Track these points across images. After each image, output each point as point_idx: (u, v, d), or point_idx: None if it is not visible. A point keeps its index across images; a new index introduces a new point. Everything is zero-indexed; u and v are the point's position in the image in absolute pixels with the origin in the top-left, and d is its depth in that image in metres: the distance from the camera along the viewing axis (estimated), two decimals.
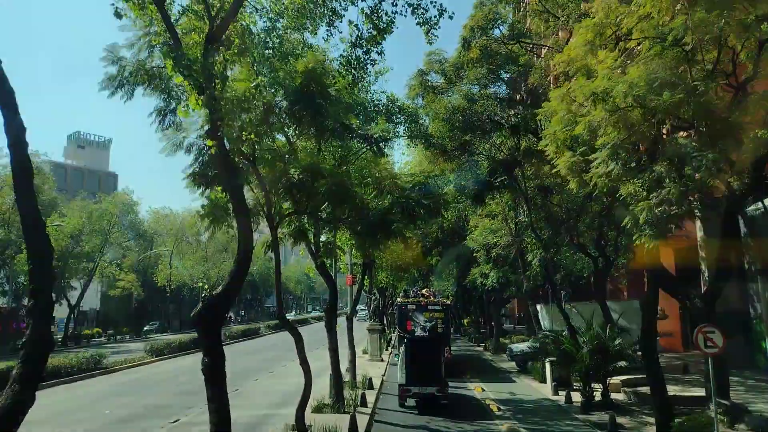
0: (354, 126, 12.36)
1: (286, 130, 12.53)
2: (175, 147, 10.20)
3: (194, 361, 34.15)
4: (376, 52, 10.19)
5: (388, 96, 16.13)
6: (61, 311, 50.81)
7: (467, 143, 17.42)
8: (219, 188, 10.16)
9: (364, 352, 32.78)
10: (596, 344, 17.49)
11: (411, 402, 17.79)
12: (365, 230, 13.17)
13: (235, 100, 9.02)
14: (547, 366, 21.50)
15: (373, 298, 31.95)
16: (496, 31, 18.45)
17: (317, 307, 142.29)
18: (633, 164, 10.16)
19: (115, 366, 29.65)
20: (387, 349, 38.00)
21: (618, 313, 22.29)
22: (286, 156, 11.80)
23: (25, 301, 35.86)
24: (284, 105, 10.71)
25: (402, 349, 18.79)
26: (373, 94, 15.59)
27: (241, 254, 9.45)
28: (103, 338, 55.82)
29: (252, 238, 9.51)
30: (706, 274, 19.67)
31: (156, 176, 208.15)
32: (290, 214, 12.58)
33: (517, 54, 17.15)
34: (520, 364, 27.21)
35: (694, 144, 9.58)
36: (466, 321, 62.32)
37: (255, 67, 10.48)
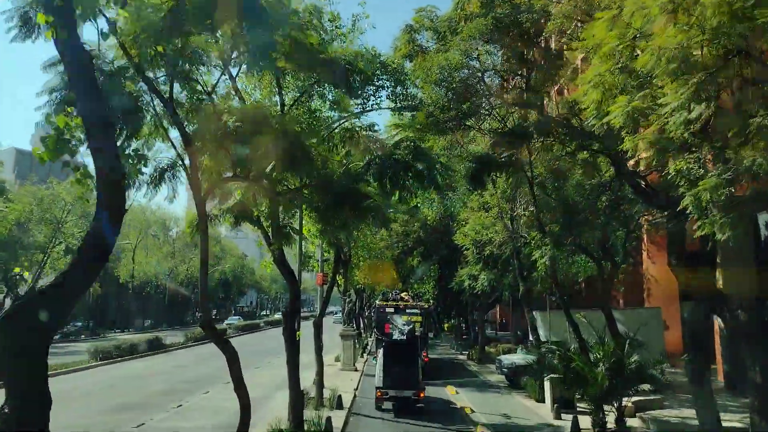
0: (313, 45, 8.96)
1: (226, 61, 9.10)
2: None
3: (145, 366, 30.73)
4: None
5: (367, 51, 12.88)
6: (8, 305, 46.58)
7: (464, 114, 14.29)
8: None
9: (337, 359, 29.43)
10: (613, 362, 14.43)
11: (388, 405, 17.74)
12: (329, 204, 9.73)
13: None
14: (547, 384, 18.47)
15: (348, 300, 28.56)
16: None
17: (304, 308, 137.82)
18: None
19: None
20: (362, 356, 34.66)
21: (622, 324, 19.36)
22: (214, 93, 8.51)
23: None
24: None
25: (380, 351, 18.85)
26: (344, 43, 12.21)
27: (99, 225, 5.77)
28: (56, 336, 51.33)
29: (122, 197, 5.97)
30: None
31: None
32: (226, 180, 9.22)
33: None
34: (511, 377, 24.16)
35: None
36: (446, 326, 59.27)
37: None
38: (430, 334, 61.79)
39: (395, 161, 9.28)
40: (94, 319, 58.43)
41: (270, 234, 12.59)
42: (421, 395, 17.21)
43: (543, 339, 21.71)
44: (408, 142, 10.70)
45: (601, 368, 14.30)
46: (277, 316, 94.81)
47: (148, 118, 8.84)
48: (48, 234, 44.09)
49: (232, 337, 54.14)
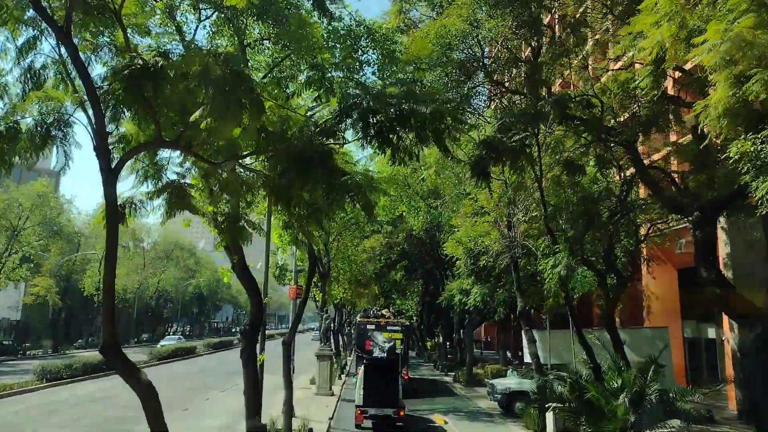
0: None
1: None
2: None
3: (97, 388, 27.56)
4: None
5: (349, 15, 10.61)
6: None
7: (466, 97, 12.07)
8: None
9: (312, 382, 26.74)
10: (635, 393, 12.15)
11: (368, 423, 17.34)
12: (288, 176, 7.17)
13: None
14: (550, 416, 16.15)
15: (324, 316, 25.99)
16: None
17: (282, 325, 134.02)
18: None
19: None
20: (341, 378, 31.96)
21: (627, 345, 17.18)
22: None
23: None
24: None
25: (360, 369, 18.77)
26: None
27: None
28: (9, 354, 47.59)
29: None
30: None
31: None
32: (140, 148, 6.73)
33: None
34: (504, 403, 21.78)
35: None
36: (430, 344, 56.64)
37: None
38: (413, 353, 59.67)
39: (383, 104, 6.77)
40: (56, 336, 54.59)
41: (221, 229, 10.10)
42: (402, 414, 17.16)
43: (542, 362, 19.41)
44: (405, 84, 8.12)
45: (623, 400, 11.98)
46: None
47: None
48: (2, 243, 40.71)
49: (202, 354, 51.09)
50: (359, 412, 17.34)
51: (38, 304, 49.54)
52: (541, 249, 14.90)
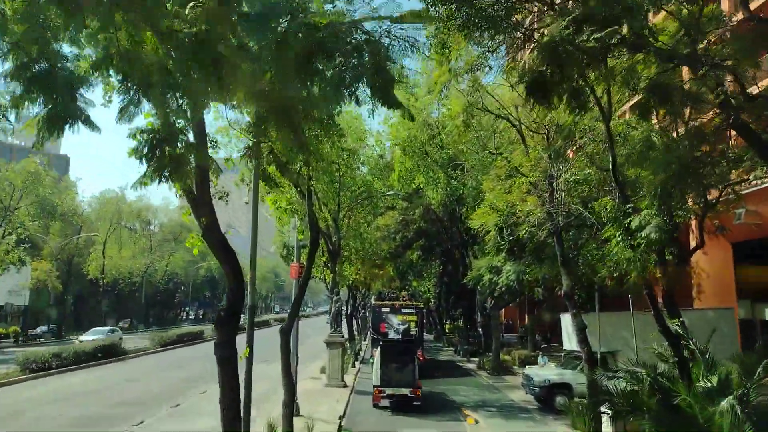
0: None
1: None
2: None
3: (84, 380, 24.32)
4: None
5: None
6: None
7: None
8: None
9: (323, 371, 24.01)
10: (741, 395, 9.12)
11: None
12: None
13: None
14: (606, 420, 13.24)
15: (335, 299, 23.16)
16: None
17: (286, 308, 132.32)
18: None
19: None
20: (354, 366, 29.23)
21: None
22: None
23: None
24: None
25: (377, 351, 19.54)
26: None
27: None
28: (10, 340, 45.58)
29: None
30: None
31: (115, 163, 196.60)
32: None
33: None
34: (542, 397, 18.89)
35: None
36: (448, 327, 53.77)
37: None
38: (430, 336, 56.83)
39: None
40: (60, 321, 52.59)
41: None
42: (418, 393, 17.77)
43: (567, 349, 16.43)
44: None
45: (728, 407, 8.93)
46: (265, 316, 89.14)
47: None
48: None
49: (209, 340, 48.43)
50: (377, 392, 17.90)
51: (38, 289, 47.42)
52: (597, 213, 11.73)
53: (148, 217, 64.48)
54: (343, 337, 22.95)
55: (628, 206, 9.90)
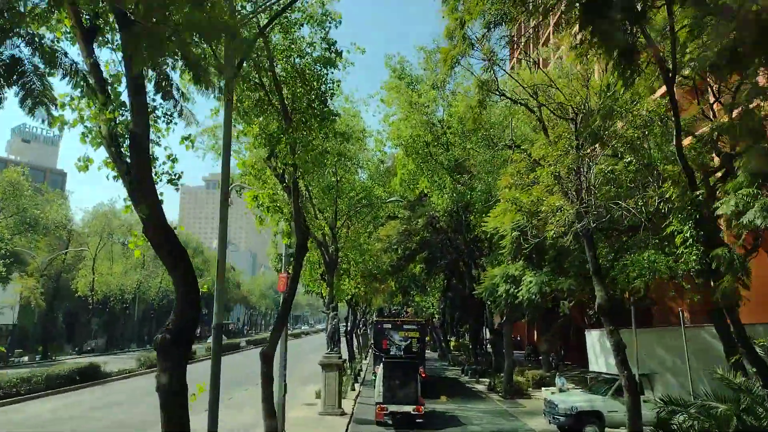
0: None
1: None
2: None
3: (54, 408, 21.56)
4: None
5: None
6: None
7: None
8: None
9: (318, 396, 21.57)
10: None
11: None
12: None
13: None
14: None
15: (332, 314, 20.85)
16: None
17: (298, 325, 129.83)
18: None
19: None
20: (354, 389, 26.74)
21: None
22: None
23: None
24: None
25: (379, 368, 19.36)
26: None
27: None
28: None
29: None
30: None
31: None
32: None
33: None
34: (567, 426, 16.45)
35: None
36: (453, 344, 51.14)
37: None
38: (434, 354, 54.20)
39: None
40: (45, 340, 50.03)
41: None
42: (420, 410, 17.59)
43: (595, 370, 14.11)
44: None
45: None
46: (264, 334, 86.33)
47: None
48: None
49: (191, 362, 45.57)
50: (379, 408, 17.83)
51: (25, 307, 45.02)
52: (677, 201, 9.31)
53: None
54: (340, 357, 20.54)
55: (697, 193, 7.71)
